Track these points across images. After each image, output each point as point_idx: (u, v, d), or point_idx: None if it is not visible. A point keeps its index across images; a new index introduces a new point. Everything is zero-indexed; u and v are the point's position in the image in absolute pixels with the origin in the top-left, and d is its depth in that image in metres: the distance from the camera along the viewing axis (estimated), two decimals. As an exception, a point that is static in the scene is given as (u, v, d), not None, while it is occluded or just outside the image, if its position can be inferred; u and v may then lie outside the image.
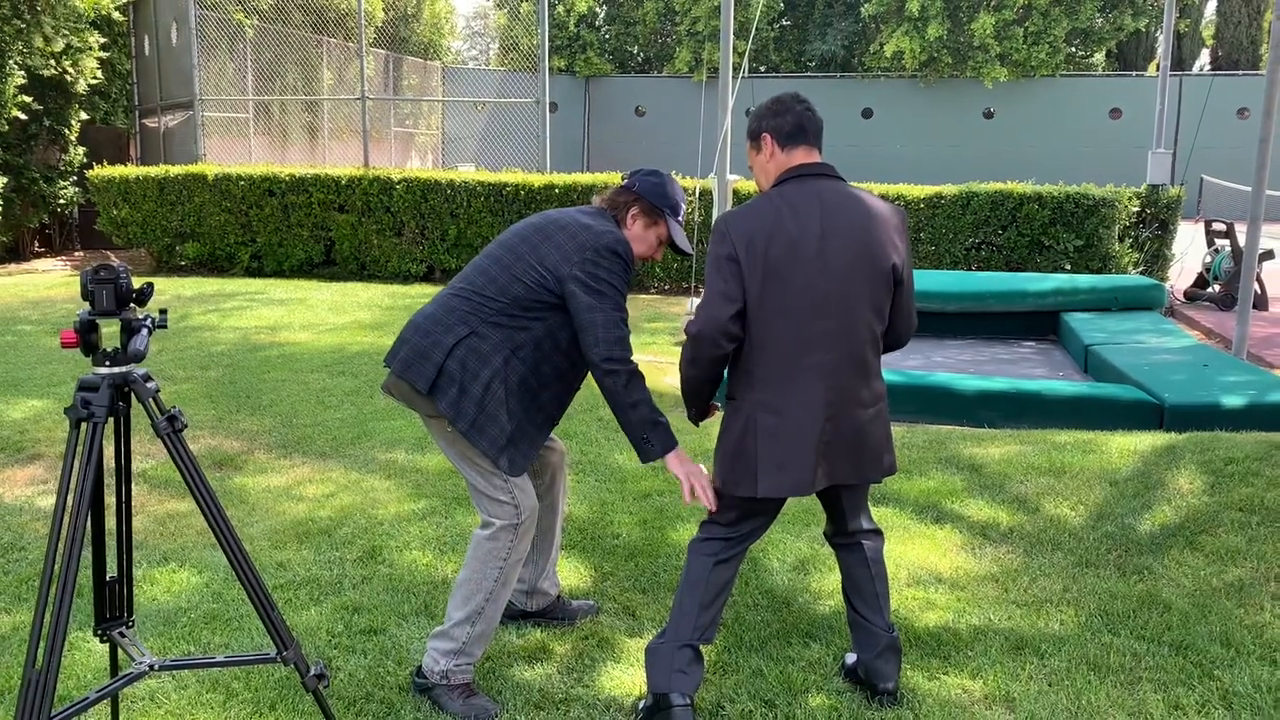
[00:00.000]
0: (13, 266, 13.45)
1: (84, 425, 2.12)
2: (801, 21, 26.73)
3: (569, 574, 3.86)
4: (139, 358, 2.01)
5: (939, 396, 6.27)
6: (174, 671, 3.10)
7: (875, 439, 2.85)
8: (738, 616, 3.51)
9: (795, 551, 4.06)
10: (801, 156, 2.88)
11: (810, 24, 26.61)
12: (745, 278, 2.74)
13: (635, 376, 2.85)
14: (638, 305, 10.42)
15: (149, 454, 5.29)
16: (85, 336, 2.12)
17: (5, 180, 12.90)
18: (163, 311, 2.14)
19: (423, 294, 10.87)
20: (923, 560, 3.96)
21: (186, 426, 2.21)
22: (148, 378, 2.19)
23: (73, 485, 2.11)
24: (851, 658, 3.15)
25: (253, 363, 7.46)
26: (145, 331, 2.02)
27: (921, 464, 5.08)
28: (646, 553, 4.07)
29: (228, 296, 10.50)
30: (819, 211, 2.77)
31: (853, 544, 3.05)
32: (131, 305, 2.15)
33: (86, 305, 2.09)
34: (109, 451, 4.48)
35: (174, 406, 2.20)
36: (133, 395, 2.21)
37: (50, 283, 11.90)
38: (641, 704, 2.91)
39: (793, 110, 2.91)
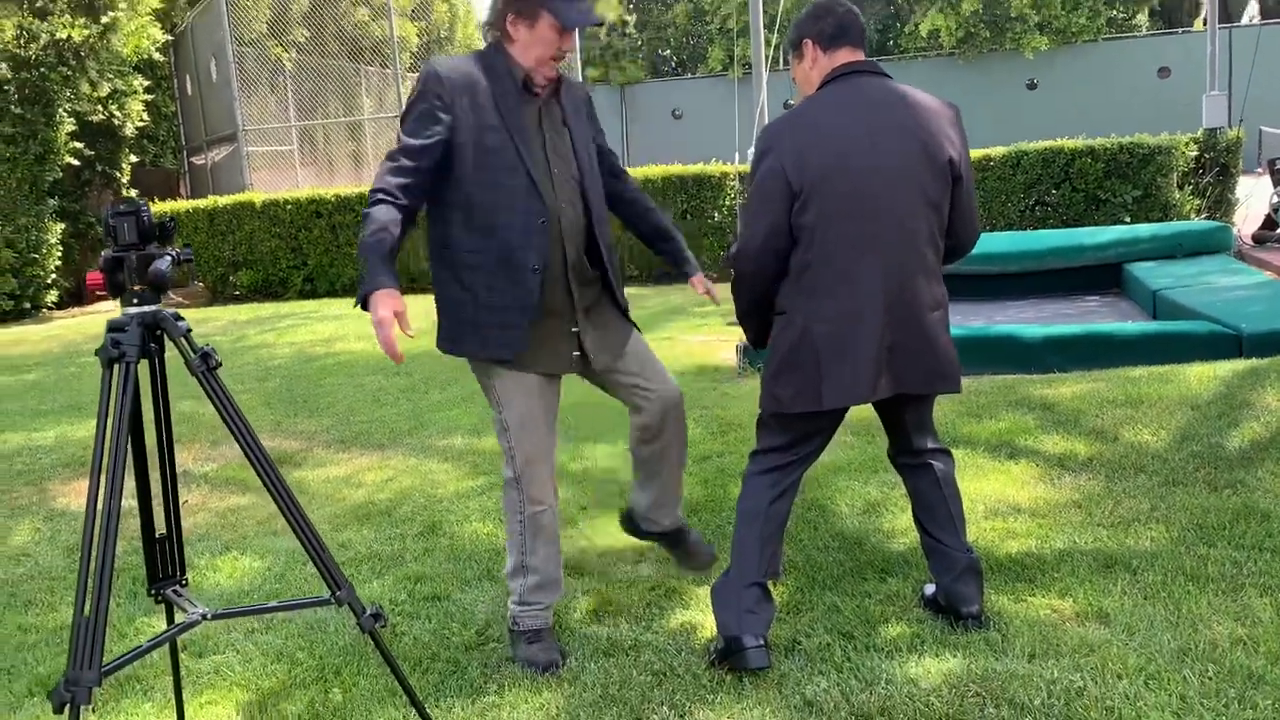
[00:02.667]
0: (75, 310, 13.74)
1: (116, 366, 2.07)
2: (833, 10, 26.49)
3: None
4: (161, 279, 1.95)
5: (1004, 345, 6.06)
6: (228, 620, 3.07)
7: (943, 345, 2.71)
8: (809, 559, 3.38)
9: (864, 496, 3.91)
10: (845, 57, 2.75)
11: (843, 11, 26.36)
12: (791, 187, 2.63)
13: (366, 209, 2.60)
14: (686, 292, 10.30)
15: (209, 457, 5.30)
16: (111, 275, 2.07)
17: (63, 226, 13.20)
18: (187, 245, 2.09)
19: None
20: (999, 494, 3.80)
21: (220, 364, 2.15)
22: (178, 316, 2.14)
23: (109, 429, 2.07)
24: (930, 588, 3.01)
25: (309, 372, 7.48)
26: (168, 259, 1.96)
27: (991, 407, 4.89)
28: (709, 508, 3.96)
29: (283, 317, 10.59)
30: (866, 109, 2.65)
31: (921, 464, 2.90)
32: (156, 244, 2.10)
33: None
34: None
35: (207, 344, 2.14)
36: (164, 336, 2.15)
37: (111, 320, 12.12)
38: (713, 646, 2.80)
39: (834, 13, 2.77)
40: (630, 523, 3.31)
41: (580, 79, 12.13)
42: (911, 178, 2.63)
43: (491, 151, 2.68)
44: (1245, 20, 26.10)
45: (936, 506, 2.89)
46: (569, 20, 2.67)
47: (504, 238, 2.69)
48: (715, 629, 2.81)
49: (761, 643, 2.69)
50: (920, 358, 2.69)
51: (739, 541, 2.81)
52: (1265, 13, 25.78)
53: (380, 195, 2.59)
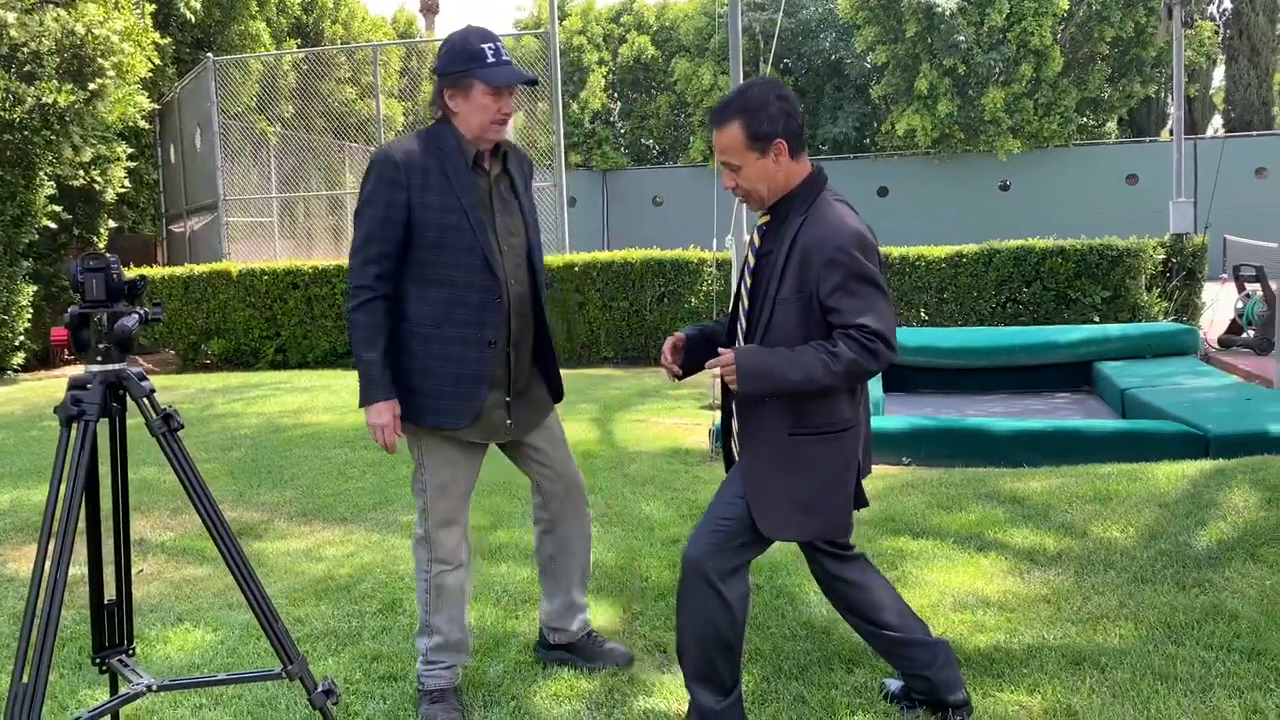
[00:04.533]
0: (43, 373, 13.57)
1: (75, 425, 2.03)
2: (811, 106, 27.14)
3: (598, 615, 3.68)
4: (125, 334, 1.92)
5: (974, 438, 6.08)
6: (175, 692, 2.96)
7: None
8: (775, 647, 3.32)
9: (833, 585, 3.87)
10: (806, 161, 2.68)
11: (820, 108, 27.01)
12: None
13: (354, 311, 2.78)
14: (659, 374, 10.30)
15: (168, 526, 5.19)
16: (77, 333, 2.04)
17: (35, 289, 13.09)
18: (157, 304, 2.07)
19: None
20: (968, 586, 3.76)
21: (183, 427, 2.11)
22: (142, 376, 2.11)
23: (62, 490, 2.01)
24: (895, 684, 2.95)
25: (276, 443, 7.38)
26: (136, 316, 1.94)
27: (960, 499, 4.88)
28: (675, 592, 3.88)
29: (252, 387, 10.49)
30: None
31: (853, 556, 2.83)
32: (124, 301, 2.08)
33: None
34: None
35: (170, 405, 2.10)
36: (127, 395, 2.11)
37: (78, 385, 11.95)
38: None
39: (797, 112, 2.62)
40: (541, 642, 3.30)
41: (562, 161, 12.29)
42: None
43: (449, 230, 2.77)
44: (1210, 133, 26.94)
45: (888, 592, 2.81)
46: (497, 81, 2.77)
47: (462, 313, 2.79)
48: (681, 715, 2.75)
49: None
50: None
51: (726, 649, 2.66)
52: (1229, 126, 26.62)
53: (363, 294, 2.75)
